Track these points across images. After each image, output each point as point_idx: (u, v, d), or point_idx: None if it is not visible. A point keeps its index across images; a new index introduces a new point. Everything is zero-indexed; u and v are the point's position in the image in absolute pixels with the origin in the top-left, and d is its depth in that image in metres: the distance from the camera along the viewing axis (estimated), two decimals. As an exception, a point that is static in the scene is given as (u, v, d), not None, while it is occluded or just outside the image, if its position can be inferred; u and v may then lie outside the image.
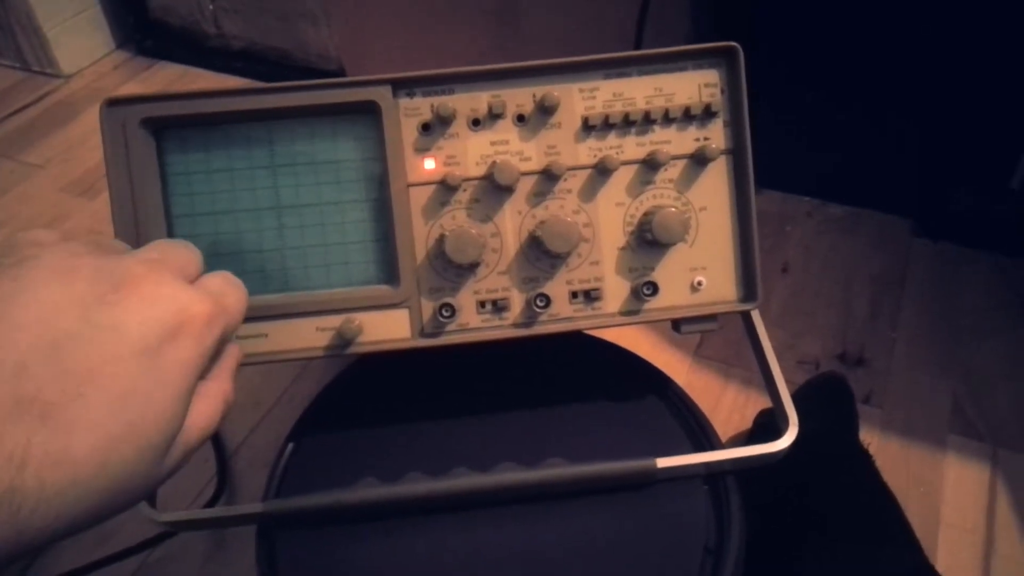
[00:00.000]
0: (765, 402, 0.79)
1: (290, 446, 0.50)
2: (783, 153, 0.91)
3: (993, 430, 0.80)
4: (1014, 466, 0.77)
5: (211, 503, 0.74)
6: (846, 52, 0.96)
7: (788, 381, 0.49)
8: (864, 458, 0.69)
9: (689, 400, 0.52)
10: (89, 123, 1.34)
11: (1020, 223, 0.97)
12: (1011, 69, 0.88)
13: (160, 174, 0.45)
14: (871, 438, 0.79)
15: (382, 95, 0.45)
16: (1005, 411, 0.82)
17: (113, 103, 0.44)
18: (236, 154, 0.45)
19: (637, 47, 0.95)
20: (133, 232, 0.44)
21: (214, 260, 0.46)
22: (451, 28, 1.02)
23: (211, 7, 1.38)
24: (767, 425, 0.74)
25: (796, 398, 0.49)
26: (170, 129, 0.45)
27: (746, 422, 0.81)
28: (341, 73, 1.29)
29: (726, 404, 0.84)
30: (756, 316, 0.51)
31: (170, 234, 0.45)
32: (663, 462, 0.46)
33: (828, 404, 0.73)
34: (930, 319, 0.92)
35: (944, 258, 1.00)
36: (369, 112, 0.46)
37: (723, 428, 0.82)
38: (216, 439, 0.79)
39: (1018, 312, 0.92)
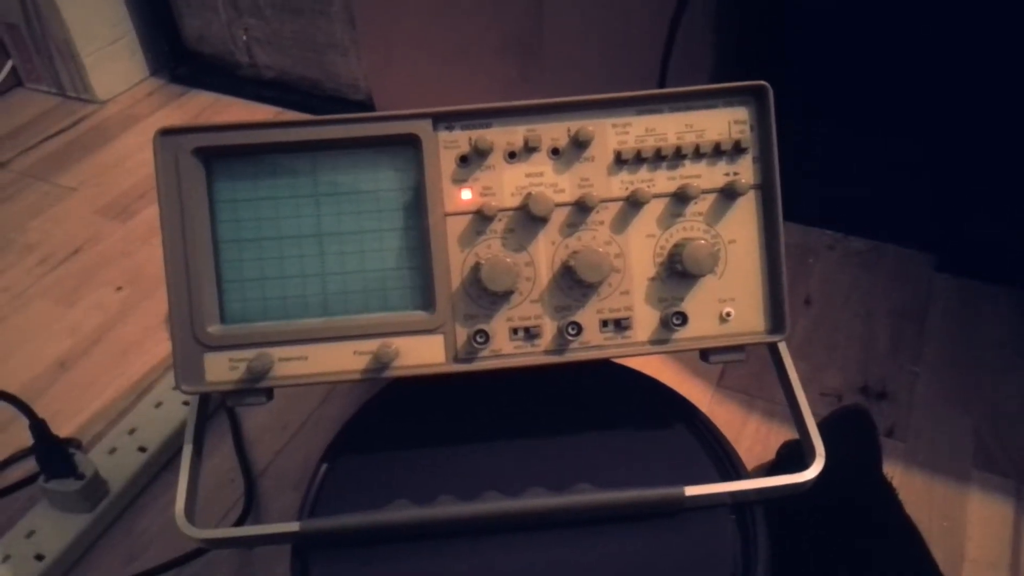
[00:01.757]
0: (787, 433, 0.80)
1: (324, 467, 0.51)
2: (804, 186, 0.92)
3: (1016, 466, 0.80)
4: (1038, 502, 0.77)
5: (238, 523, 0.75)
6: (866, 84, 0.97)
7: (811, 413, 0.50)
8: (888, 491, 0.69)
9: (716, 429, 0.53)
10: (122, 148, 1.37)
11: (1042, 259, 0.98)
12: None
13: (209, 201, 0.47)
14: (894, 471, 0.79)
15: (423, 128, 0.47)
16: (1028, 447, 0.82)
17: (167, 132, 0.46)
18: (281, 183, 0.47)
19: (661, 81, 0.97)
20: (182, 255, 0.46)
21: (257, 285, 0.48)
22: (477, 59, 1.05)
23: (244, 37, 1.42)
24: (790, 456, 0.74)
25: (819, 429, 0.49)
26: (220, 158, 0.47)
27: (768, 453, 0.81)
28: (369, 102, 1.32)
29: (748, 435, 0.84)
30: (783, 348, 0.52)
31: (217, 258, 0.47)
32: (691, 490, 0.47)
33: (851, 436, 0.73)
34: (952, 354, 0.92)
35: (965, 293, 1.00)
36: (410, 144, 0.47)
37: (745, 459, 0.81)
38: (244, 460, 0.80)
39: (1041, 348, 0.92)
